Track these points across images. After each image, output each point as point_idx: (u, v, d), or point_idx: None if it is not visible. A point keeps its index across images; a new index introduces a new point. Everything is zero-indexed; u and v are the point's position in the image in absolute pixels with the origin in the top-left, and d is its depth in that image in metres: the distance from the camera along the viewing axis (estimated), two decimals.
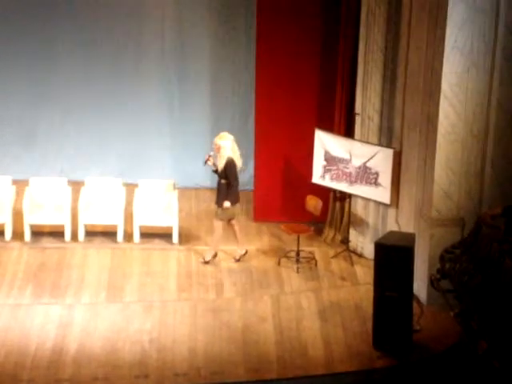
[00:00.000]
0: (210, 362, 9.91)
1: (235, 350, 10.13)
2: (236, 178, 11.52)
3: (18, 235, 12.09)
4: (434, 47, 10.48)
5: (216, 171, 11.54)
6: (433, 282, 10.49)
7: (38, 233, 12.18)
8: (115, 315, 10.65)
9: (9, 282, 11.19)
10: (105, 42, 13.17)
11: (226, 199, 11.50)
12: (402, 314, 10.01)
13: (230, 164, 11.42)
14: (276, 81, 12.44)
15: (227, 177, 11.47)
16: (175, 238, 12.21)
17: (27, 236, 12.06)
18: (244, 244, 12.24)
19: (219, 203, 11.57)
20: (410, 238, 10.26)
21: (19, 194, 12.22)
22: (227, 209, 11.51)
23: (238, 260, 11.81)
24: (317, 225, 12.30)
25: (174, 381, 9.64)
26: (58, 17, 13.06)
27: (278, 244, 12.41)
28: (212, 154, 11.52)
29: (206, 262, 11.75)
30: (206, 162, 11.55)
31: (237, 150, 11.54)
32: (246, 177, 13.02)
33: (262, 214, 12.88)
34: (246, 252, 11.90)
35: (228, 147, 11.42)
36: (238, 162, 11.54)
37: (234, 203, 11.58)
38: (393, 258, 9.90)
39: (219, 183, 11.55)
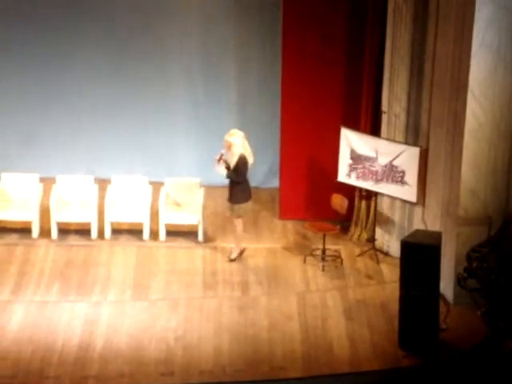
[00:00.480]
0: (235, 360, 9.92)
1: (260, 348, 10.13)
2: (244, 176, 11.44)
3: (45, 233, 12.16)
4: (461, 44, 10.42)
5: (228, 169, 11.41)
6: (460, 281, 10.44)
7: (65, 230, 12.25)
8: (141, 313, 10.69)
9: (36, 279, 11.27)
10: (130, 42, 13.20)
11: (240, 196, 11.46)
12: (428, 312, 9.96)
13: (242, 161, 11.37)
14: (302, 79, 12.42)
15: (234, 174, 11.41)
16: (200, 235, 12.23)
17: (54, 233, 12.13)
18: (270, 242, 12.24)
19: (233, 201, 11.53)
20: (437, 236, 10.21)
21: (46, 192, 12.29)
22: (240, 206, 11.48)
23: (234, 260, 11.72)
24: (342, 223, 12.27)
25: (199, 378, 9.66)
26: (82, 17, 13.10)
27: (304, 242, 12.39)
28: (224, 152, 11.44)
29: (232, 260, 11.74)
30: (218, 161, 11.40)
31: (248, 146, 11.47)
32: (262, 173, 12.91)
33: (287, 211, 12.87)
34: (244, 251, 11.82)
35: (239, 144, 11.37)
36: (250, 159, 11.47)
37: (246, 200, 11.55)
38: (419, 256, 9.85)
39: (232, 181, 11.48)
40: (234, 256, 11.78)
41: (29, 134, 13.49)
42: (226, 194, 11.78)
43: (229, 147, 11.38)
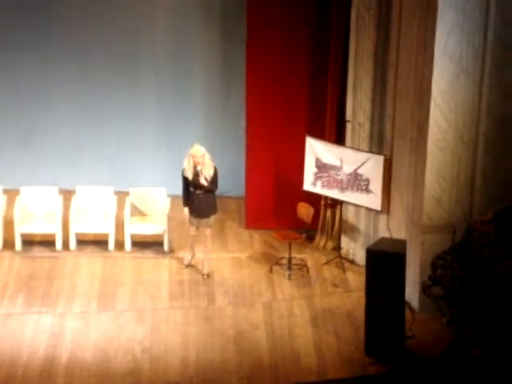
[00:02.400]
0: (203, 371, 9.89)
1: (228, 358, 10.12)
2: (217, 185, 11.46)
3: (8, 244, 12.06)
4: (423, 53, 10.50)
5: (206, 180, 11.29)
6: (424, 289, 10.51)
7: (29, 242, 12.15)
8: (107, 324, 10.63)
9: (0, 291, 11.15)
10: (99, 50, 13.14)
11: (213, 207, 11.44)
12: (394, 320, 10.01)
13: (215, 170, 11.38)
14: (266, 88, 12.43)
15: (213, 184, 11.35)
16: (166, 246, 12.19)
17: (18, 245, 12.02)
18: (236, 252, 12.23)
19: (207, 213, 11.43)
20: (402, 244, 10.27)
21: (10, 203, 12.18)
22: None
23: (208, 275, 11.65)
24: (308, 232, 12.30)
25: None
26: (52, 26, 13.03)
27: (270, 251, 12.40)
28: (199, 168, 11.24)
29: (208, 276, 11.64)
30: (198, 177, 11.26)
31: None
32: (228, 182, 12.92)
33: (253, 221, 12.88)
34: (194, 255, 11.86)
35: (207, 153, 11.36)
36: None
37: (216, 210, 11.59)
38: (384, 264, 9.91)
39: (205, 193, 11.31)
40: (206, 271, 11.67)
41: None
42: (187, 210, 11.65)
43: (202, 158, 11.23)
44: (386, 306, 9.95)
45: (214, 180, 11.35)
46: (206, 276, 11.59)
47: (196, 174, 11.30)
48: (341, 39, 11.82)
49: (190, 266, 11.80)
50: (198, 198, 11.37)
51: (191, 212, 11.52)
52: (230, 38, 13.16)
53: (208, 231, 11.61)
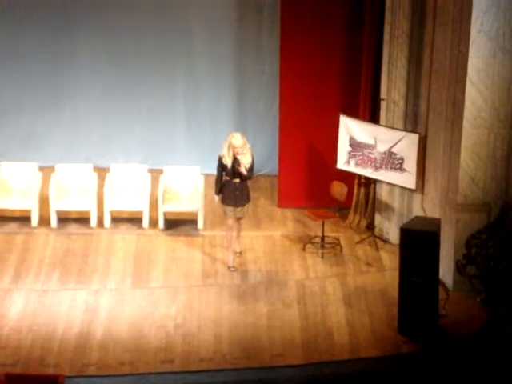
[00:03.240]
0: (235, 348, 9.94)
1: (260, 335, 10.15)
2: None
3: (44, 221, 12.16)
4: (459, 31, 10.40)
5: (238, 171, 11.04)
6: (459, 268, 10.47)
7: (65, 219, 12.25)
8: (141, 301, 10.71)
9: (36, 267, 11.28)
10: (128, 30, 13.16)
11: (249, 194, 11.24)
12: (427, 299, 9.98)
13: (253, 158, 11.20)
14: (300, 66, 12.40)
15: (250, 172, 11.14)
16: (200, 223, 12.23)
17: (54, 222, 12.13)
18: (268, 230, 12.22)
19: (244, 201, 11.21)
20: (436, 223, 10.21)
21: (46, 181, 12.28)
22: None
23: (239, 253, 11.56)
24: (342, 210, 12.28)
25: (199, 366, 9.68)
26: (83, 7, 13.08)
27: (303, 230, 12.40)
28: (239, 157, 10.99)
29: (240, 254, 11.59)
30: (239, 167, 11.02)
31: None
32: (261, 161, 12.84)
33: (286, 199, 12.87)
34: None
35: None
36: None
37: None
38: (418, 243, 9.86)
39: (240, 181, 11.09)
40: (239, 249, 11.55)
41: (29, 123, 13.47)
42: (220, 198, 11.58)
43: (243, 147, 10.99)
44: (420, 285, 9.91)
45: (252, 168, 11.16)
46: (239, 254, 11.58)
47: (235, 163, 11.05)
48: (376, 18, 11.74)
49: (236, 268, 11.40)
50: (234, 186, 11.12)
51: (226, 201, 11.23)
52: (263, 16, 13.11)
53: (239, 221, 11.37)
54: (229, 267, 11.39)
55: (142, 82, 13.42)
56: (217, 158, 11.21)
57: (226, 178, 11.19)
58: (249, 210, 11.55)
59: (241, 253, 11.63)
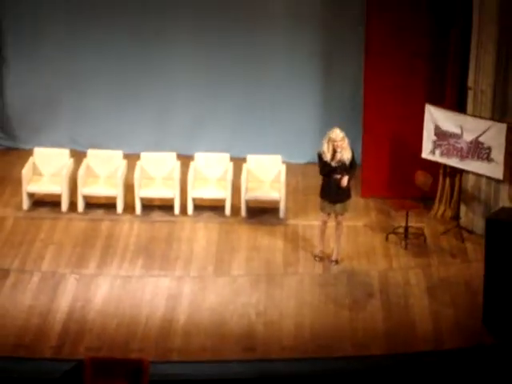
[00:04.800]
0: (317, 337, 9.92)
1: (342, 325, 10.11)
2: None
3: (129, 208, 12.33)
4: None
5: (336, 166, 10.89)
6: None
7: (149, 206, 12.40)
8: (223, 288, 10.77)
9: (120, 254, 11.45)
10: (217, 22, 13.20)
11: (349, 192, 11.09)
12: None
13: (353, 152, 11.05)
14: (386, 55, 12.25)
15: (352, 166, 11.03)
16: (282, 212, 12.23)
17: (138, 209, 12.29)
18: (351, 220, 12.10)
19: (346, 196, 11.06)
20: None
21: (131, 168, 12.45)
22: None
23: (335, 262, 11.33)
24: (426, 201, 12.11)
25: (281, 354, 9.70)
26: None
27: (386, 220, 12.27)
28: (339, 154, 10.84)
29: (321, 258, 11.39)
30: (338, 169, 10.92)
31: None
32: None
33: (369, 189, 12.76)
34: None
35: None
36: None
37: None
38: (505, 234, 9.67)
39: (339, 178, 10.86)
40: (335, 257, 11.28)
41: (114, 111, 13.65)
42: (307, 171, 11.60)
43: (343, 142, 10.84)
44: (506, 277, 9.70)
45: (353, 163, 11.04)
46: (334, 262, 11.26)
47: (335, 158, 10.91)
48: (464, 4, 11.50)
49: (322, 258, 11.31)
50: (335, 182, 10.95)
51: (324, 196, 11.03)
52: (349, 7, 13.00)
53: (340, 217, 11.18)
54: (314, 256, 11.31)
55: (228, 70, 13.42)
56: (316, 155, 11.03)
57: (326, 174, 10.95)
58: (350, 206, 11.28)
59: (337, 261, 11.27)
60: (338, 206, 11.10)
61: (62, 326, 10.02)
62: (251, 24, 13.24)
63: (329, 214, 11.19)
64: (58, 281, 10.80)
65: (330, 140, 10.89)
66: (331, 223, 11.29)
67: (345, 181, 10.91)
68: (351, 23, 13.01)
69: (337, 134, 10.88)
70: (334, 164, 10.92)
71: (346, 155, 10.94)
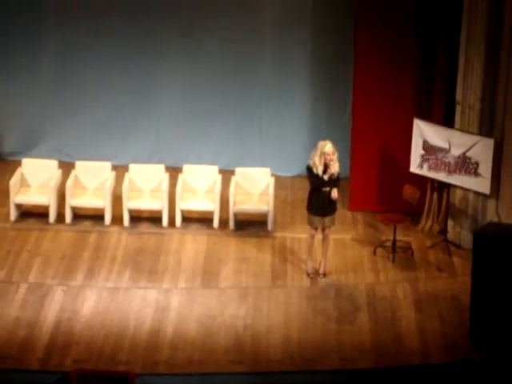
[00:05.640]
0: (304, 350, 9.92)
1: (329, 338, 10.12)
2: None
3: (117, 220, 12.31)
4: None
5: (327, 180, 10.93)
6: None
7: (137, 218, 12.38)
8: (210, 301, 10.76)
9: (108, 265, 11.42)
10: (207, 33, 13.23)
11: (336, 205, 11.11)
12: (500, 306, 9.80)
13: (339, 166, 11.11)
14: (374, 69, 12.30)
15: (339, 180, 11.09)
16: (270, 225, 12.24)
17: (126, 221, 12.28)
18: (339, 233, 12.15)
19: (334, 209, 11.09)
20: (511, 228, 10.03)
21: (119, 180, 12.44)
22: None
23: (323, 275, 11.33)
24: (414, 215, 12.15)
25: (268, 367, 9.70)
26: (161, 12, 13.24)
27: (374, 233, 12.30)
28: (331, 164, 10.88)
29: (314, 274, 11.36)
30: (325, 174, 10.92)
31: None
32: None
33: (357, 203, 12.78)
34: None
35: None
36: None
37: None
38: (492, 249, 9.70)
39: (330, 190, 10.91)
40: (323, 270, 11.28)
41: (103, 123, 13.65)
42: (296, 183, 11.65)
43: (333, 155, 10.87)
44: (493, 291, 9.74)
45: (338, 176, 11.06)
46: (322, 276, 11.26)
47: (325, 172, 10.90)
48: (452, 18, 11.57)
49: (316, 272, 11.27)
50: (323, 195, 10.96)
51: (313, 210, 11.02)
52: (337, 21, 13.04)
53: (328, 230, 11.20)
54: (308, 274, 11.29)
55: (218, 84, 13.44)
56: (305, 168, 11.04)
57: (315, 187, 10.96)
58: (336, 219, 11.29)
59: (324, 274, 11.28)
60: (328, 219, 11.13)
61: (48, 338, 10.00)
62: (240, 37, 13.27)
63: (316, 228, 11.22)
64: (45, 292, 10.77)
65: (323, 154, 10.90)
66: (318, 236, 11.32)
67: (336, 193, 10.94)
68: (340, 40, 13.07)
69: (329, 147, 10.90)
70: (325, 178, 10.93)
71: (335, 168, 10.98)
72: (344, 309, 10.63)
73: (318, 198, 11.02)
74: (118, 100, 13.57)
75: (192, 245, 11.94)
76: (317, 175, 10.95)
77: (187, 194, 12.39)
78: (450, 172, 11.64)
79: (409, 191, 11.88)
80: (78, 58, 13.38)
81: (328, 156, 10.87)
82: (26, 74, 13.44)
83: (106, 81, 13.49)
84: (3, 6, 13.23)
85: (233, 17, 13.20)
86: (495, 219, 11.20)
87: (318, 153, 10.93)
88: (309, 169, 11.03)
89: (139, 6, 13.17)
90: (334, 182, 11.02)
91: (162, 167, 12.55)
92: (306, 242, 11.47)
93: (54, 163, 12.58)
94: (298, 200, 12.79)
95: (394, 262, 11.63)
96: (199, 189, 12.48)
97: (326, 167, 10.91)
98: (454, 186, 11.85)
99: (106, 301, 10.68)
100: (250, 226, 12.34)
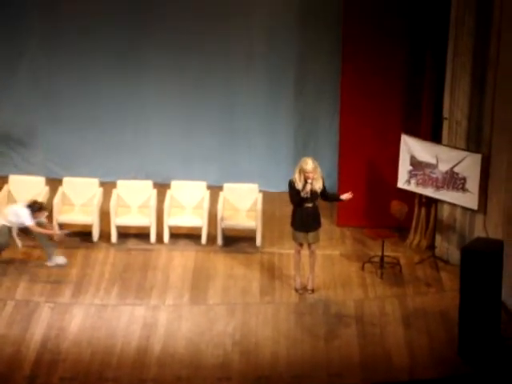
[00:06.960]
0: (293, 366, 9.89)
1: (318, 354, 10.09)
2: None
3: (104, 236, 12.28)
4: None
5: (309, 197, 10.88)
6: None
7: (125, 234, 12.35)
8: (198, 317, 10.73)
9: (96, 282, 11.38)
10: (194, 48, 13.24)
11: (320, 220, 11.08)
12: (489, 321, 9.80)
13: (323, 181, 11.03)
14: (361, 84, 12.33)
15: (326, 195, 11.05)
16: (258, 241, 12.22)
17: (114, 237, 12.24)
18: (327, 249, 12.15)
19: (317, 225, 11.05)
20: (498, 244, 10.05)
21: (106, 196, 12.41)
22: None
23: (312, 291, 11.31)
24: (401, 230, 12.16)
25: (257, 383, 9.65)
26: (147, 22, 13.24)
27: (362, 249, 12.30)
28: (310, 181, 10.78)
29: (303, 289, 11.33)
30: (304, 190, 10.83)
31: None
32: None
33: (345, 218, 12.79)
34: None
35: None
36: None
37: None
38: (480, 264, 9.72)
39: (312, 206, 10.92)
40: (311, 286, 11.25)
41: (91, 139, 13.63)
42: (284, 198, 11.62)
43: (314, 172, 10.80)
44: (481, 307, 9.74)
45: (323, 192, 11.01)
46: (311, 291, 11.24)
47: (305, 189, 10.84)
48: (439, 35, 11.63)
49: (305, 288, 11.24)
50: (306, 211, 10.93)
51: (297, 226, 11.01)
52: (324, 35, 13.09)
53: (313, 246, 11.16)
54: (296, 290, 11.26)
55: (203, 100, 13.45)
56: (287, 183, 11.00)
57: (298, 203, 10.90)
58: (320, 235, 11.26)
59: (313, 290, 11.25)
60: (311, 236, 11.10)
61: (35, 355, 9.93)
62: (228, 51, 13.29)
63: (301, 244, 11.19)
64: (32, 309, 10.72)
65: (302, 170, 10.87)
66: (304, 252, 11.30)
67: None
68: (327, 52, 13.11)
69: (308, 163, 10.83)
70: (303, 194, 10.87)
71: (317, 185, 10.93)
72: (332, 325, 10.62)
73: (302, 215, 11.00)
74: (105, 117, 13.57)
75: (180, 261, 11.92)
76: (298, 191, 10.92)
77: (175, 210, 12.37)
78: (437, 187, 11.67)
79: (397, 207, 11.89)
80: (64, 75, 13.39)
81: (307, 173, 10.81)
82: (6, 88, 13.41)
83: (93, 97, 13.49)
84: None
85: (220, 32, 13.22)
86: (483, 234, 11.21)
87: (298, 169, 10.91)
88: (290, 184, 10.98)
89: (123, 21, 13.16)
90: (317, 198, 10.98)
91: (149, 183, 12.54)
92: (293, 257, 11.45)
93: (41, 179, 12.55)
94: (286, 216, 12.66)
95: (382, 277, 11.63)
96: (187, 205, 12.47)
97: (305, 184, 10.86)
98: (442, 202, 11.88)
99: (94, 318, 10.64)
100: (238, 241, 12.33)
